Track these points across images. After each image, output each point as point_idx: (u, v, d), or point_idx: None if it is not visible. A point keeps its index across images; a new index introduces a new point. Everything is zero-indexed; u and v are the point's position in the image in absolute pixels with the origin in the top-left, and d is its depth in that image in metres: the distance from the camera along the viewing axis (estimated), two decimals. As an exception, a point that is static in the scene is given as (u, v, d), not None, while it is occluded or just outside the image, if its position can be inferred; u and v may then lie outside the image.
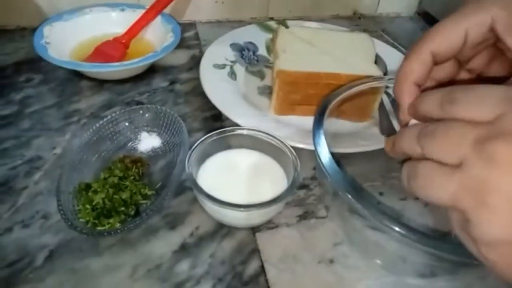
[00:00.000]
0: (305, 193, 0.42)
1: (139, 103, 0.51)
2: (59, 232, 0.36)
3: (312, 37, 0.52)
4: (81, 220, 0.35)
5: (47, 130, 0.45)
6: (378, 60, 0.51)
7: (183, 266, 0.35)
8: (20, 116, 0.47)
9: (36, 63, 0.54)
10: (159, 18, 0.58)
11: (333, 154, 0.32)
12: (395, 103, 0.49)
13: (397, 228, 0.27)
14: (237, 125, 0.43)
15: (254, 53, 0.59)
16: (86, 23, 0.57)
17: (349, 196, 0.29)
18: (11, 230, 0.36)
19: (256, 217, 0.37)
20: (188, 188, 0.41)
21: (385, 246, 0.33)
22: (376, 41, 0.57)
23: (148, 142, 0.44)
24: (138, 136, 0.44)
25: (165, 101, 0.52)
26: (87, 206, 0.35)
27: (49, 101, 0.49)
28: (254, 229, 0.38)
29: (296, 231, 0.38)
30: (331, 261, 0.36)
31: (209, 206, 0.35)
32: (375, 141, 0.43)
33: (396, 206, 0.40)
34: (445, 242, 0.26)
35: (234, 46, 0.58)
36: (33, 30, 0.52)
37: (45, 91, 0.51)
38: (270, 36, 0.60)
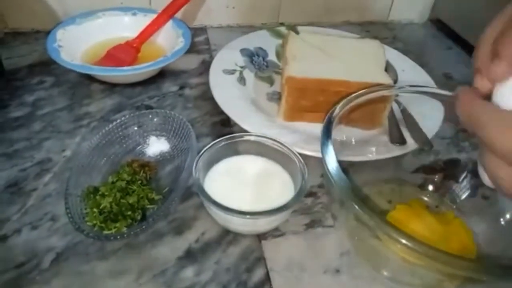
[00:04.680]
0: (313, 201, 0.42)
1: (148, 107, 0.51)
2: (66, 235, 0.36)
3: (323, 44, 0.52)
4: (88, 223, 0.35)
5: (58, 133, 0.46)
6: (388, 67, 0.51)
7: (188, 272, 0.34)
8: (32, 118, 0.48)
9: (48, 66, 0.55)
10: (170, 23, 0.59)
11: (341, 162, 0.32)
12: (404, 111, 0.49)
13: (404, 240, 0.26)
14: (245, 131, 0.43)
15: (264, 58, 0.59)
16: (99, 27, 0.58)
17: (356, 206, 0.29)
18: (20, 231, 0.36)
19: (262, 225, 0.37)
20: (195, 193, 0.41)
21: (392, 257, 0.32)
22: (387, 48, 0.57)
23: (156, 146, 0.44)
24: (147, 140, 0.44)
25: (174, 106, 0.52)
26: (95, 209, 0.35)
27: (60, 104, 0.50)
28: (260, 237, 0.38)
29: (303, 240, 0.38)
30: (337, 271, 0.36)
31: (215, 212, 0.35)
32: (384, 150, 0.43)
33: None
34: (454, 256, 0.26)
35: (244, 51, 0.58)
36: (47, 33, 0.53)
37: (56, 94, 0.52)
38: (280, 41, 0.60)
